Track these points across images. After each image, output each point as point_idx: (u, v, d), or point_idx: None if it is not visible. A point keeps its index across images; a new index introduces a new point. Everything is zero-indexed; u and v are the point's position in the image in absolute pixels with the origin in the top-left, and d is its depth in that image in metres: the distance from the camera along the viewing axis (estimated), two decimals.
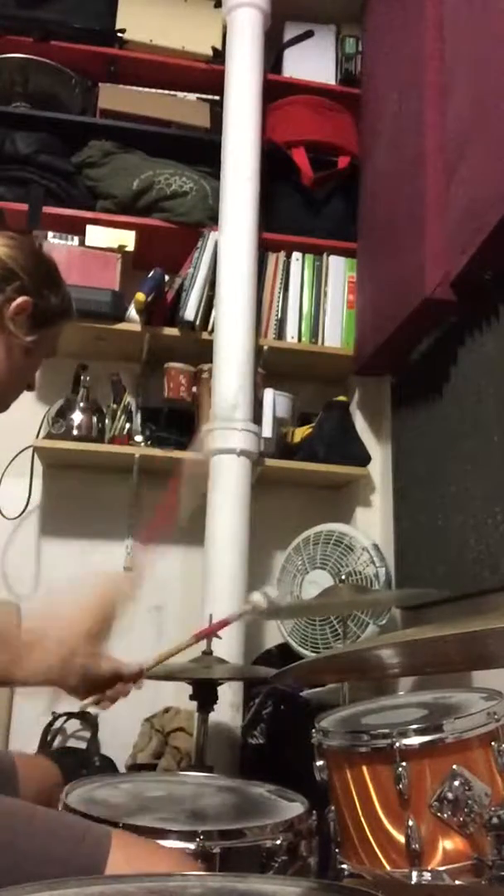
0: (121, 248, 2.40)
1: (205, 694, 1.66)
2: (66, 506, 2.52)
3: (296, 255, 2.58)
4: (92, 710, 1.27)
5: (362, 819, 1.12)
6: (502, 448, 1.75)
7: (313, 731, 1.22)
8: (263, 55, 2.55)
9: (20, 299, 1.21)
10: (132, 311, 2.36)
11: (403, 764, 1.08)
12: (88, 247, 2.37)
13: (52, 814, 1.01)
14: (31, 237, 1.28)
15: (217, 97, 2.58)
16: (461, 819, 1.05)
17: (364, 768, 1.13)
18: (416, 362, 2.27)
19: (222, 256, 2.38)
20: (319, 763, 1.20)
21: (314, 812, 1.13)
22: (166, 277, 2.42)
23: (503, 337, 1.80)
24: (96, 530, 2.52)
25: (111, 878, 0.77)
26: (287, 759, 1.87)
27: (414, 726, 1.12)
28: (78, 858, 0.88)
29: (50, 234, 2.37)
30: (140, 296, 2.30)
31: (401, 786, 1.07)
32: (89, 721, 2.34)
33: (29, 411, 2.33)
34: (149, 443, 2.37)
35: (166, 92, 2.62)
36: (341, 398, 2.55)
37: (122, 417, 2.40)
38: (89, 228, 2.41)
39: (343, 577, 2.09)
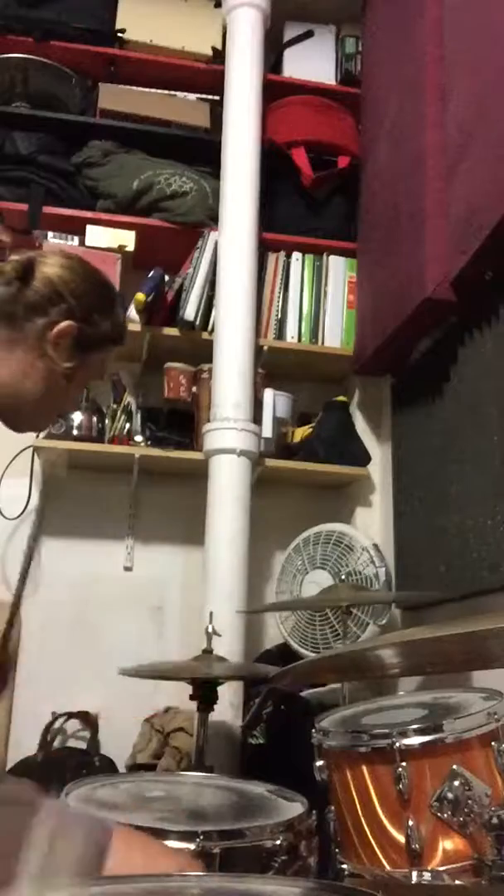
0: (121, 248, 2.40)
1: (205, 694, 1.65)
2: (66, 506, 2.52)
3: (296, 255, 2.58)
4: None
5: (362, 819, 1.12)
6: (502, 448, 1.75)
7: (313, 731, 1.21)
8: (263, 55, 2.56)
9: (63, 324, 1.18)
10: (132, 311, 2.36)
11: (403, 764, 1.08)
12: (88, 247, 2.37)
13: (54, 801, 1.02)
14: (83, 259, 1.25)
15: (217, 97, 2.59)
16: (461, 819, 1.05)
17: (364, 768, 1.13)
18: (416, 362, 2.27)
19: (222, 256, 2.38)
20: (319, 763, 1.19)
21: (314, 812, 1.13)
22: (166, 277, 2.42)
23: (503, 337, 1.80)
24: (96, 530, 2.52)
25: (110, 879, 0.77)
26: (287, 759, 1.87)
27: (414, 726, 1.12)
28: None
29: (50, 234, 2.37)
30: (140, 296, 2.30)
31: (401, 786, 1.07)
32: (89, 721, 2.34)
33: None
34: (149, 443, 2.37)
35: (166, 92, 2.62)
36: (341, 398, 2.55)
37: (122, 417, 2.41)
38: (89, 228, 2.41)
39: (343, 576, 2.09)
